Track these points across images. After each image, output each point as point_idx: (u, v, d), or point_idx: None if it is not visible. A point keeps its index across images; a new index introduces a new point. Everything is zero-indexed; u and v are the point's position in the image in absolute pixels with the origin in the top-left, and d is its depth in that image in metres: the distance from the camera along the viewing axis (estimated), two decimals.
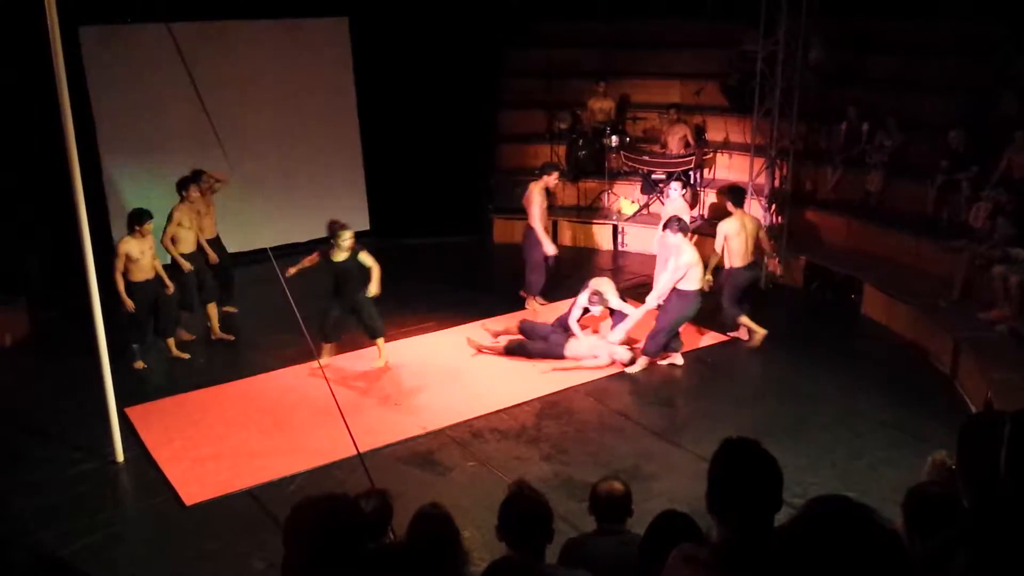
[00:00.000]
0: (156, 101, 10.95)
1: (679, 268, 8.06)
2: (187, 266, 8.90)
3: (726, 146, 12.42)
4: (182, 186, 8.96)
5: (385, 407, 7.79)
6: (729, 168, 12.33)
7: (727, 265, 8.74)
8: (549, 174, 9.88)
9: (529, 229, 9.85)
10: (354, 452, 5.80)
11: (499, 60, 13.79)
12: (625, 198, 12.51)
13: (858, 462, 6.70)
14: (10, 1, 8.91)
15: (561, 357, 8.54)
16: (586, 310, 8.74)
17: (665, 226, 8.51)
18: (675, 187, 9.92)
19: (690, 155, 11.83)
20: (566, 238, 12.55)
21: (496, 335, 9.10)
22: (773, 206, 10.88)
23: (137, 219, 8.32)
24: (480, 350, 8.85)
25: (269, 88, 11.91)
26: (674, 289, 8.19)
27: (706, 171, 12.35)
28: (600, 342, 8.61)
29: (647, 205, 12.22)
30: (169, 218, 8.83)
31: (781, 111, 10.42)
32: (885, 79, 11.51)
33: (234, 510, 6.26)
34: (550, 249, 9.85)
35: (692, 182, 11.90)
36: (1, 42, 9.44)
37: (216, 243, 9.55)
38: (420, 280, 10.94)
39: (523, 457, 6.95)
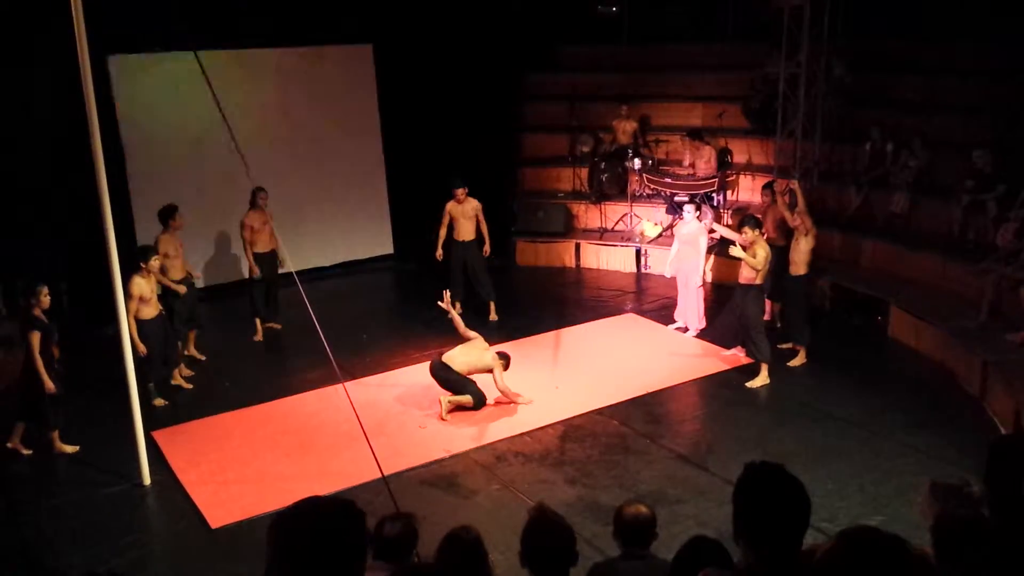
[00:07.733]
0: (184, 128, 11.11)
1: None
2: (181, 289, 8.88)
3: (749, 167, 12.41)
4: (167, 215, 8.92)
5: (409, 430, 7.80)
6: (752, 190, 12.30)
7: None
8: None
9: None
10: (379, 475, 5.81)
11: (521, 85, 13.90)
12: (648, 220, 12.51)
13: (887, 486, 6.62)
14: (40, 32, 9.11)
15: None
16: None
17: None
18: (688, 209, 9.92)
19: (713, 177, 11.82)
20: (589, 260, 12.57)
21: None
22: None
23: (143, 255, 8.14)
24: None
25: (295, 115, 12.05)
26: None
27: (729, 193, 12.34)
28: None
29: (670, 227, 12.21)
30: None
31: (804, 132, 10.38)
32: (909, 99, 11.47)
33: (259, 533, 6.16)
34: None
35: (715, 204, 11.89)
36: (31, 73, 9.63)
37: (270, 258, 9.81)
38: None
39: (547, 480, 6.93)
